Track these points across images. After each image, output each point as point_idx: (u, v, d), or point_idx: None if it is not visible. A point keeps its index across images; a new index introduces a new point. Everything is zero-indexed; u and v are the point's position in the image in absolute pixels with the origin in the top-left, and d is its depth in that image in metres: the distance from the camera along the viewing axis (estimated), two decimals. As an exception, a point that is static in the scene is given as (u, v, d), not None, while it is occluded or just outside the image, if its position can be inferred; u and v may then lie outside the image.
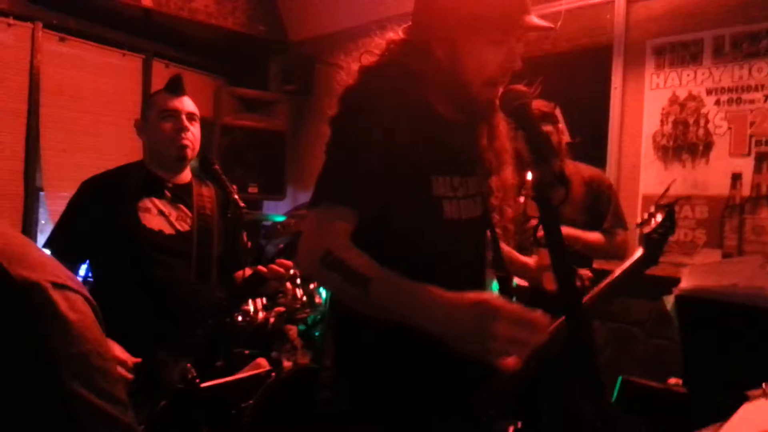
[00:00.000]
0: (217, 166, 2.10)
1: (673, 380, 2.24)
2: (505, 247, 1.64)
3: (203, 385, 1.73)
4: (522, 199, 1.91)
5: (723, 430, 1.06)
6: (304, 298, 3.43)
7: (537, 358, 1.52)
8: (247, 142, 4.57)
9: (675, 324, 2.30)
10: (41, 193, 3.99)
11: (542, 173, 1.17)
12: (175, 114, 2.13)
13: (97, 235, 2.06)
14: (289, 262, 2.12)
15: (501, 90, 1.32)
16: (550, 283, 1.10)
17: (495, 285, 1.56)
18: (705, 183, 3.01)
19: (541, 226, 1.15)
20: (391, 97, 1.29)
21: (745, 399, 1.25)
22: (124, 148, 4.42)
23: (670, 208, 1.97)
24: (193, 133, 2.15)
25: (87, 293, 0.80)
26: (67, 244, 2.09)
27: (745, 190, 2.90)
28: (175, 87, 2.16)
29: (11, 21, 3.77)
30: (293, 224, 4.19)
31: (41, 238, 3.76)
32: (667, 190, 2.28)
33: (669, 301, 2.11)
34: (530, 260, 1.78)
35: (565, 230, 2.41)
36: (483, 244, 1.53)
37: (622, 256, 2.55)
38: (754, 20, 2.90)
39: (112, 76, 4.37)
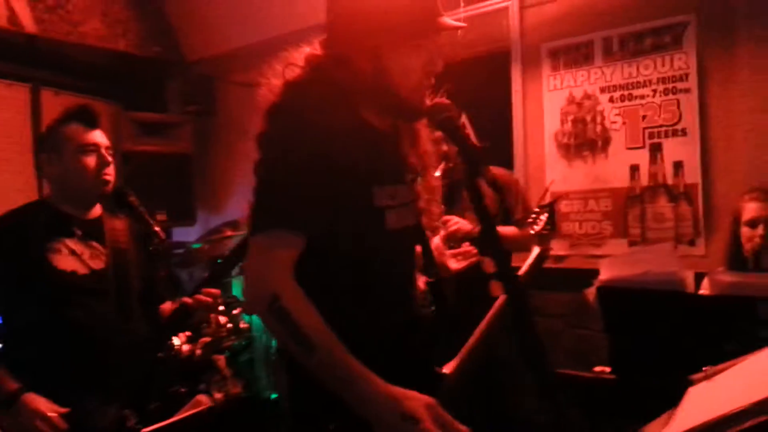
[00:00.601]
0: (132, 198, 2.00)
1: (598, 368, 2.34)
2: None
3: (145, 431, 1.64)
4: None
5: (676, 417, 1.11)
6: (229, 325, 3.35)
7: (478, 363, 1.55)
8: (151, 167, 4.39)
9: (597, 314, 2.41)
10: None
11: (476, 182, 1.20)
12: (95, 148, 2.01)
13: (4, 284, 1.91)
14: (216, 291, 2.05)
15: (426, 96, 1.35)
16: (496, 289, 1.14)
17: None
18: (606, 176, 3.18)
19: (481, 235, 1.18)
20: (321, 112, 1.28)
21: (685, 383, 1.32)
22: (16, 183, 4.16)
23: (551, 207, 2.07)
24: (113, 168, 2.04)
25: None
26: None
27: (644, 180, 3.09)
28: (91, 119, 2.04)
29: None
30: (207, 250, 4.08)
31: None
32: (546, 191, 2.40)
33: (590, 292, 2.21)
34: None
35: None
36: (414, 252, 1.54)
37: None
38: (638, 20, 3.10)
39: (-3, 108, 4.10)
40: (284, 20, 4.29)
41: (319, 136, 1.25)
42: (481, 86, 3.59)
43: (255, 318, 4.09)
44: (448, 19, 1.37)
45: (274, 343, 4.13)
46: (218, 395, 3.02)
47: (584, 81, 3.24)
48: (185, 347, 2.39)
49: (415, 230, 1.50)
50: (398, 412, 1.12)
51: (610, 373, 2.26)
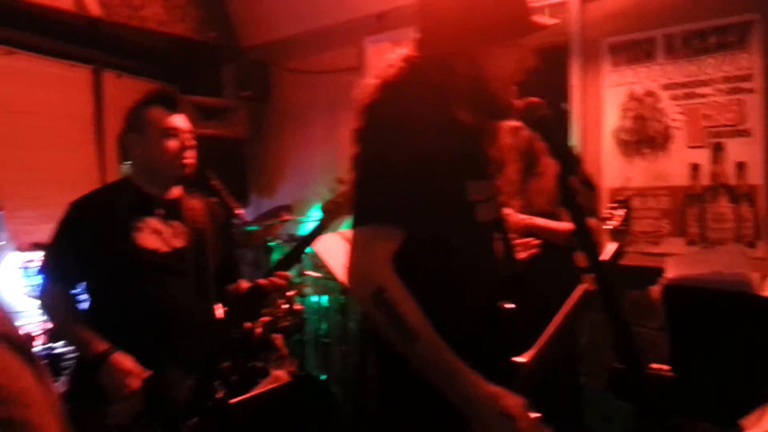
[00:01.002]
0: (215, 181, 2.08)
1: (655, 366, 2.36)
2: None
3: (232, 401, 1.73)
4: None
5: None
6: (285, 306, 3.44)
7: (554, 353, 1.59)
8: (207, 150, 4.46)
9: (657, 312, 2.43)
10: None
11: (570, 180, 1.24)
12: (177, 132, 2.10)
13: (91, 258, 2.01)
14: (288, 274, 2.11)
15: (519, 100, 1.39)
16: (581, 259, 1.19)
17: None
18: (666, 174, 3.17)
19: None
20: (417, 110, 1.33)
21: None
22: (78, 162, 4.31)
23: (627, 203, 2.07)
24: (193, 152, 2.12)
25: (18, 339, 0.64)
26: (60, 269, 2.04)
27: (704, 179, 3.07)
28: (172, 104, 2.12)
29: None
30: (261, 233, 4.17)
31: (3, 259, 3.62)
32: (623, 189, 2.40)
33: (654, 290, 2.23)
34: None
35: (537, 221, 2.51)
36: (497, 244, 1.58)
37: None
38: (701, 18, 3.07)
39: (62, 88, 4.24)
40: (337, 9, 4.35)
41: (416, 133, 1.31)
42: (539, 80, 3.59)
43: (308, 300, 4.19)
44: (539, 18, 1.41)
45: (324, 326, 4.23)
46: (275, 372, 3.11)
47: (645, 77, 3.22)
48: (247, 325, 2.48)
49: (497, 224, 1.55)
50: (497, 410, 1.20)
51: (669, 371, 2.28)
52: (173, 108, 2.13)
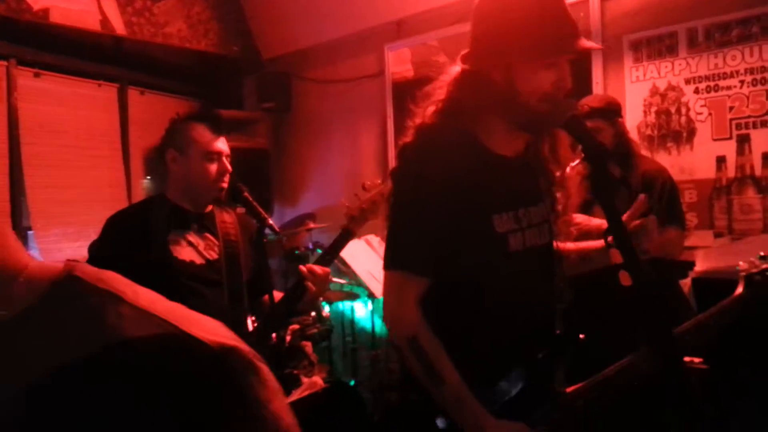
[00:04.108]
0: (247, 193, 2.11)
1: (687, 359, 2.35)
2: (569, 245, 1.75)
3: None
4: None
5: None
6: (313, 313, 3.47)
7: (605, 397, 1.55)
8: (231, 163, 4.55)
9: (688, 304, 2.42)
10: (30, 233, 3.92)
11: (603, 182, 1.25)
12: (218, 156, 2.13)
13: (129, 272, 2.05)
14: (327, 269, 2.13)
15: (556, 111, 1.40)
16: (625, 278, 1.19)
17: None
18: (692, 168, 3.16)
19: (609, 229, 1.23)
20: (446, 155, 1.40)
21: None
22: (106, 180, 4.39)
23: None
24: (229, 175, 2.16)
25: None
26: None
27: (730, 171, 3.05)
28: (219, 126, 2.14)
29: (-16, 60, 3.71)
30: (286, 242, 4.22)
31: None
32: None
33: (685, 283, 2.23)
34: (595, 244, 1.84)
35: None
36: (551, 271, 1.58)
37: (670, 254, 2.48)
38: (724, 11, 3.05)
39: (89, 107, 4.32)
40: (356, 17, 4.39)
41: (441, 180, 1.38)
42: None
43: (334, 307, 4.22)
44: (584, 41, 1.43)
45: (351, 331, 4.26)
46: (306, 380, 3.14)
47: (668, 72, 3.22)
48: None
49: (545, 249, 1.55)
50: None
51: (701, 363, 2.26)
52: (218, 130, 2.16)
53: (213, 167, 2.12)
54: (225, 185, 2.15)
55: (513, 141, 1.51)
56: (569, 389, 1.47)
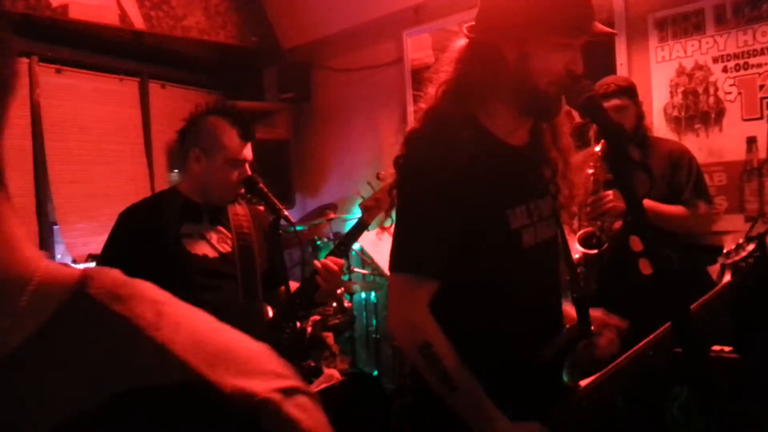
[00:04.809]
0: (262, 185, 2.09)
1: (716, 347, 2.27)
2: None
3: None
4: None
5: None
6: (335, 304, 3.45)
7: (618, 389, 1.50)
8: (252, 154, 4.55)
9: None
10: (55, 227, 3.97)
11: (621, 163, 1.20)
12: (242, 164, 2.10)
13: (143, 265, 2.04)
14: (341, 261, 2.10)
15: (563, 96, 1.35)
16: (645, 267, 1.13)
17: None
18: (721, 150, 3.05)
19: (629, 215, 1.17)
20: (455, 145, 1.32)
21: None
22: (129, 174, 4.42)
23: (760, 238, 1.91)
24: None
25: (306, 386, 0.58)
26: None
27: (762, 152, 2.94)
28: (249, 135, 2.11)
29: (8, 58, 3.74)
30: (307, 232, 4.20)
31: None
32: (753, 225, 2.31)
33: (714, 270, 2.14)
34: None
35: (646, 203, 2.42)
36: (556, 265, 1.54)
37: (705, 229, 2.53)
38: (753, -15, 2.94)
39: (111, 102, 4.35)
40: (374, 4, 4.34)
41: (453, 170, 1.30)
42: (584, 59, 3.50)
43: (356, 297, 4.20)
44: (599, 24, 1.36)
45: (374, 322, 4.24)
46: (328, 371, 3.13)
47: (695, 51, 3.11)
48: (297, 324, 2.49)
49: (552, 242, 1.50)
50: None
51: (731, 352, 2.19)
52: (248, 137, 2.12)
53: (235, 174, 2.09)
54: (241, 191, 2.12)
55: (518, 129, 1.45)
56: (582, 382, 1.42)
